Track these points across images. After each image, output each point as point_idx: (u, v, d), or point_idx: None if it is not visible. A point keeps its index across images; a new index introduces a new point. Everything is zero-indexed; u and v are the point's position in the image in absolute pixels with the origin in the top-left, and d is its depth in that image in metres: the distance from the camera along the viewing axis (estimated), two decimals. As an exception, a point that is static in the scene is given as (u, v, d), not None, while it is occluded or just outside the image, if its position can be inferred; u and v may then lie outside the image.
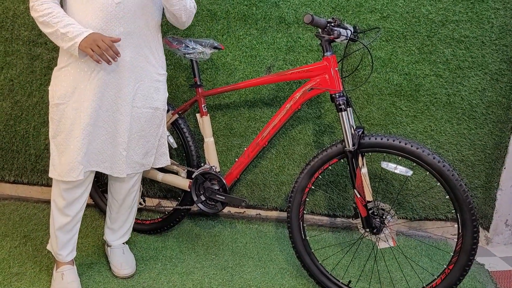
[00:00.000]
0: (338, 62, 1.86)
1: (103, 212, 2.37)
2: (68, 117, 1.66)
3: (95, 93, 1.66)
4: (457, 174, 1.71)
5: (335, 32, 1.71)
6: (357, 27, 1.94)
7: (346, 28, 1.81)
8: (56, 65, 1.73)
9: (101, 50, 1.56)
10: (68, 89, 1.66)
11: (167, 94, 1.90)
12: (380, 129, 2.34)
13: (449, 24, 2.19)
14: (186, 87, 2.38)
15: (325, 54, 1.83)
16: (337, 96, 1.82)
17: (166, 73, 1.89)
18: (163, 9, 1.80)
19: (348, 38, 1.83)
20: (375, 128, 2.34)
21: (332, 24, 1.74)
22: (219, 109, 2.39)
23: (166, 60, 2.26)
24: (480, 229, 2.41)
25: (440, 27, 2.20)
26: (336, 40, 1.78)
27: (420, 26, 2.20)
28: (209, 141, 2.14)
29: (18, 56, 2.36)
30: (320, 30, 1.77)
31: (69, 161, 1.67)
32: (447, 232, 2.47)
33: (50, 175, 1.73)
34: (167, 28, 2.28)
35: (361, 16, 2.21)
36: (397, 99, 2.30)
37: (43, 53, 2.34)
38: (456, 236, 1.75)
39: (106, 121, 1.72)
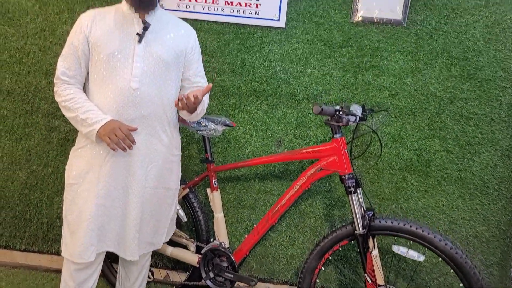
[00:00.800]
0: (347, 144, 1.88)
1: (111, 284, 2.35)
2: (80, 197, 1.69)
3: (109, 175, 1.69)
4: (471, 261, 1.67)
5: (344, 120, 1.75)
6: (366, 107, 1.97)
7: (354, 115, 1.84)
8: (72, 136, 1.76)
9: (118, 139, 1.60)
10: (83, 169, 1.69)
11: (181, 174, 1.93)
12: (390, 204, 2.32)
13: (458, 101, 2.22)
14: (198, 159, 2.41)
15: (334, 136, 1.86)
16: (346, 178, 1.83)
17: (180, 153, 1.93)
18: (180, 89, 1.87)
19: (357, 122, 1.86)
20: (386, 203, 2.32)
21: (341, 113, 1.78)
22: (230, 181, 2.41)
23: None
24: (498, 309, 2.32)
25: (449, 104, 2.23)
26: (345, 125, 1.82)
27: (428, 103, 2.24)
28: (219, 217, 2.15)
29: (37, 127, 2.44)
30: (329, 117, 1.81)
31: (80, 242, 1.67)
32: (464, 310, 2.38)
33: (62, 254, 1.73)
34: (181, 103, 2.35)
35: (370, 94, 2.26)
36: (407, 174, 2.29)
37: (60, 125, 2.41)
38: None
39: (119, 202, 1.74)
